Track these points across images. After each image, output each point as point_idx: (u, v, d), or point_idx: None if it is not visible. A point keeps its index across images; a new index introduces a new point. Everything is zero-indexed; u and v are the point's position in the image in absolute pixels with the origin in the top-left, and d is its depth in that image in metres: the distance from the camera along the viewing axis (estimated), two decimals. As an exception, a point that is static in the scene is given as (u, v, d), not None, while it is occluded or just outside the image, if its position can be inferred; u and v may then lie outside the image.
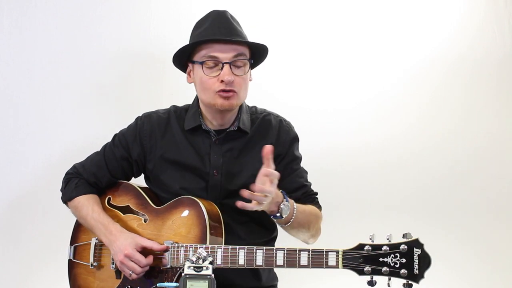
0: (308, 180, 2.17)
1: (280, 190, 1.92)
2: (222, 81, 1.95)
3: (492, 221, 2.90)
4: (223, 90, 1.96)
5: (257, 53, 2.06)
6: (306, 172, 2.18)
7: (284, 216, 1.90)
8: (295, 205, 1.97)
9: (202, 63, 1.97)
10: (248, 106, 2.16)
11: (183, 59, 2.06)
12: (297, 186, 2.10)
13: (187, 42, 2.07)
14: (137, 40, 2.84)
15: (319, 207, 2.14)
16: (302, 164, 2.19)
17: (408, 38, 2.92)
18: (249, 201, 1.80)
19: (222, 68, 1.95)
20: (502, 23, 2.93)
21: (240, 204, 1.79)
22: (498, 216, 2.90)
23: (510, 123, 2.94)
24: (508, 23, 2.93)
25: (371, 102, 2.91)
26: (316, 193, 2.17)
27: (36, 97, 2.80)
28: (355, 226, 2.80)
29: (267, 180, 1.79)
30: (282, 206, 1.89)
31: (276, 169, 2.02)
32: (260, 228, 2.10)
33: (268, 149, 1.82)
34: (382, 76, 2.91)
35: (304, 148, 2.19)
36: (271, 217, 1.93)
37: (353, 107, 2.90)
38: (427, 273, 1.67)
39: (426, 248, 1.67)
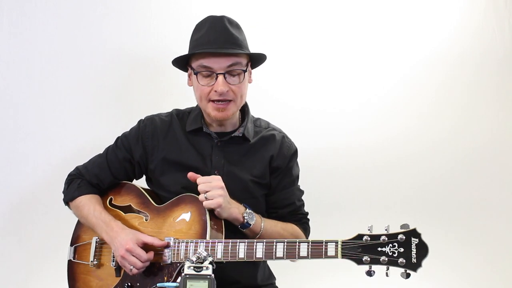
0: (301, 200, 2.20)
1: (243, 204, 2.00)
2: (216, 91, 1.96)
3: (492, 221, 2.90)
4: (218, 101, 1.98)
5: (255, 58, 2.07)
6: (301, 192, 2.21)
7: (251, 223, 1.97)
8: (263, 218, 2.04)
9: (196, 73, 1.99)
10: (253, 116, 2.18)
11: (182, 64, 2.08)
12: (285, 204, 2.14)
13: (187, 43, 2.07)
14: (137, 40, 2.84)
15: (305, 228, 2.17)
16: (306, 164, 2.20)
17: (407, 38, 2.92)
18: None
19: (216, 78, 1.96)
20: (502, 23, 2.93)
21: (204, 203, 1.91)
22: (498, 216, 2.91)
23: (510, 123, 2.94)
24: (508, 23, 2.93)
25: (370, 102, 2.91)
26: (306, 214, 2.20)
27: (36, 97, 2.80)
28: (354, 226, 2.79)
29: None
30: (244, 214, 1.96)
31: (272, 182, 2.11)
32: None
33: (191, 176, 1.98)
34: (381, 77, 2.92)
35: (304, 148, 2.20)
36: (239, 227, 1.98)
37: (353, 107, 2.90)
38: (427, 267, 1.68)
39: (423, 237, 1.69)
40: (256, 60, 2.09)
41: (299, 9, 2.90)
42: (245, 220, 1.96)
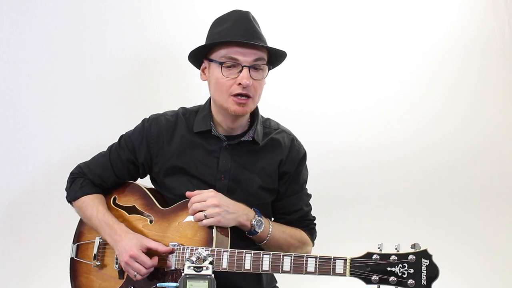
0: (309, 205, 2.18)
1: (253, 208, 1.98)
2: (239, 84, 1.93)
3: (493, 221, 2.92)
4: (239, 95, 1.94)
5: (274, 58, 2.05)
6: (309, 196, 2.19)
7: (259, 231, 1.96)
8: (272, 223, 2.02)
9: (221, 63, 1.95)
10: (262, 117, 2.15)
11: (201, 55, 2.03)
12: (293, 209, 2.12)
13: (189, 42, 2.05)
14: (138, 40, 2.83)
15: (312, 234, 2.16)
16: (308, 164, 2.19)
17: (406, 40, 2.93)
18: None
19: (241, 71, 1.93)
20: (502, 23, 2.93)
21: (200, 223, 1.91)
22: (499, 216, 2.92)
23: (509, 122, 2.94)
24: (508, 23, 2.93)
25: (372, 104, 2.92)
26: (314, 219, 2.18)
27: (36, 97, 2.79)
28: (355, 226, 2.80)
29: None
30: (253, 221, 1.95)
31: (280, 188, 2.08)
32: None
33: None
34: (380, 78, 2.93)
35: (311, 150, 2.19)
36: (246, 233, 1.97)
37: (353, 108, 2.92)
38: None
39: (434, 259, 1.68)
40: (274, 61, 2.06)
41: (301, 11, 2.90)
42: (253, 228, 1.95)
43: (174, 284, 1.75)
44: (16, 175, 2.77)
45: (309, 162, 2.21)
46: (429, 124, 2.92)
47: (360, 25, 2.92)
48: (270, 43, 2.04)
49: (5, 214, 2.76)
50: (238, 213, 1.93)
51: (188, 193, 1.97)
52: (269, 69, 2.03)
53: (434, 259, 1.67)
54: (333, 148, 2.87)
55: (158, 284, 1.77)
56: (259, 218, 1.97)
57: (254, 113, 2.10)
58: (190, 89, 2.18)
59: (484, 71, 2.94)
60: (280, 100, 2.84)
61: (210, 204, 1.90)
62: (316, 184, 2.21)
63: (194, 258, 1.63)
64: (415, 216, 2.88)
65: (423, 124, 2.92)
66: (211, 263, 1.63)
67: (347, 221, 2.83)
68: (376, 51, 2.92)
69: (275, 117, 2.26)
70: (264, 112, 2.23)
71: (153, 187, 2.17)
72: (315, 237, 2.18)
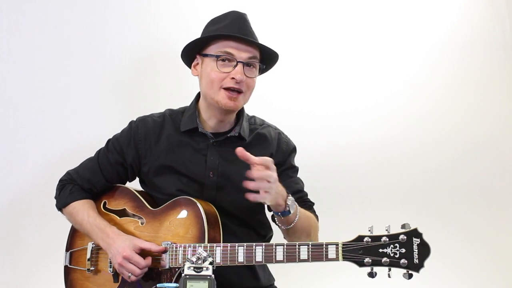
0: (304, 190, 2.17)
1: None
2: (232, 78, 1.96)
3: (493, 220, 2.91)
4: (231, 89, 1.97)
5: (267, 60, 2.08)
6: (303, 182, 2.19)
7: (292, 212, 1.88)
8: (298, 205, 1.96)
9: (217, 56, 1.98)
10: (247, 114, 2.17)
11: (195, 51, 2.06)
12: (293, 191, 2.09)
13: (188, 42, 2.06)
14: (138, 40, 2.84)
15: (315, 215, 2.14)
16: (306, 163, 2.20)
17: (406, 39, 2.93)
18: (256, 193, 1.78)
19: (235, 66, 1.97)
20: (503, 22, 2.93)
21: (252, 197, 1.78)
22: (499, 215, 2.91)
23: (509, 122, 2.94)
24: (509, 22, 2.93)
25: (372, 104, 2.92)
26: (313, 203, 2.17)
27: (36, 97, 2.79)
28: (355, 225, 2.79)
29: (262, 167, 1.78)
30: (288, 201, 1.88)
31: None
32: (254, 230, 2.11)
33: (240, 151, 1.80)
34: (380, 79, 2.93)
35: (311, 149, 2.19)
36: (279, 214, 1.89)
37: (353, 106, 2.91)
38: (427, 268, 1.68)
39: (425, 237, 1.68)
40: (266, 63, 2.08)
41: (302, 11, 2.90)
42: (287, 208, 1.88)
43: (174, 284, 1.75)
44: (16, 175, 2.77)
45: (309, 161, 2.21)
46: (429, 123, 2.92)
47: (361, 25, 2.92)
48: (269, 44, 2.05)
49: (5, 214, 2.76)
50: (279, 193, 1.85)
51: (240, 150, 1.81)
52: (261, 70, 2.06)
53: (425, 237, 1.68)
54: (333, 147, 2.87)
55: (158, 285, 1.77)
56: (292, 198, 1.90)
57: (240, 111, 2.13)
58: (190, 89, 2.18)
59: (484, 71, 2.94)
60: (280, 100, 2.84)
61: (274, 180, 1.80)
62: (315, 182, 2.22)
63: (194, 259, 1.63)
64: (415, 215, 2.84)
65: (423, 123, 2.92)
66: (211, 263, 1.63)
67: (346, 220, 2.82)
68: (376, 51, 2.92)
69: (276, 117, 2.27)
70: (264, 112, 2.24)
71: (142, 190, 2.17)
72: (318, 219, 2.14)
